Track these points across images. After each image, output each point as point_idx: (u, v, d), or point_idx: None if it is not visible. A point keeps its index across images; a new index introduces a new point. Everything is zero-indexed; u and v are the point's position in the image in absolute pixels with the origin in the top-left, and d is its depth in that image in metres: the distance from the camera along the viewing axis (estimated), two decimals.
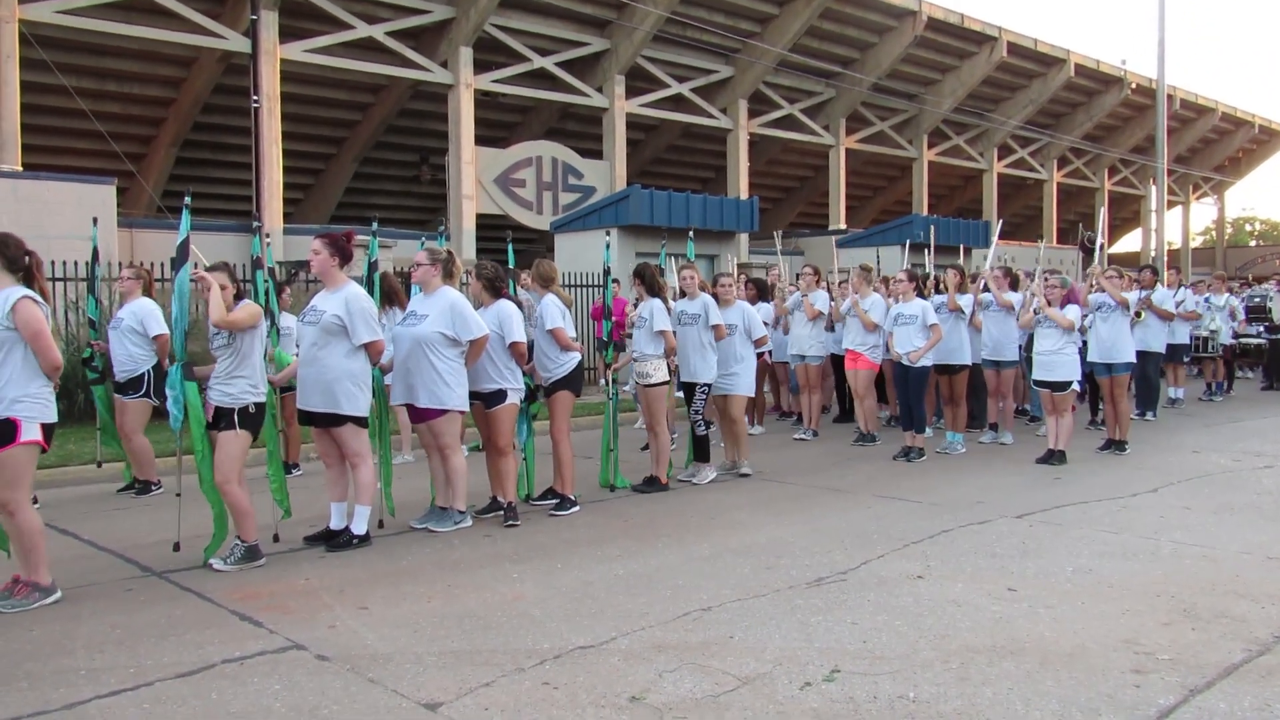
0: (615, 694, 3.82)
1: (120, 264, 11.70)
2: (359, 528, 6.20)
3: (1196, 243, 47.02)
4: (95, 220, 9.22)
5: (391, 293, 8.18)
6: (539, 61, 20.70)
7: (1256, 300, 15.64)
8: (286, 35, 17.46)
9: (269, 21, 17.03)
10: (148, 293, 8.21)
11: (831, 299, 11.10)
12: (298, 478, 8.51)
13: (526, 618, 4.75)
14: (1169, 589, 5.14)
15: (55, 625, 4.71)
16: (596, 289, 14.37)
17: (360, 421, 6.17)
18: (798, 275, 11.54)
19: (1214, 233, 46.78)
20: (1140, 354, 10.42)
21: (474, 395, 6.76)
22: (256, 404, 5.80)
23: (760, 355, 9.71)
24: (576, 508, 7.21)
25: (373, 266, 7.06)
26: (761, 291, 11.47)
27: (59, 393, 5.30)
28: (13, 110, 14.69)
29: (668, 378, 8.13)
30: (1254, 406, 13.71)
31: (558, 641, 4.40)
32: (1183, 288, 14.41)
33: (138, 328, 7.87)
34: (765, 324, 10.14)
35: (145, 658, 4.26)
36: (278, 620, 4.75)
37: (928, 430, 10.11)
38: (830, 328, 11.08)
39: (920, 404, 9.51)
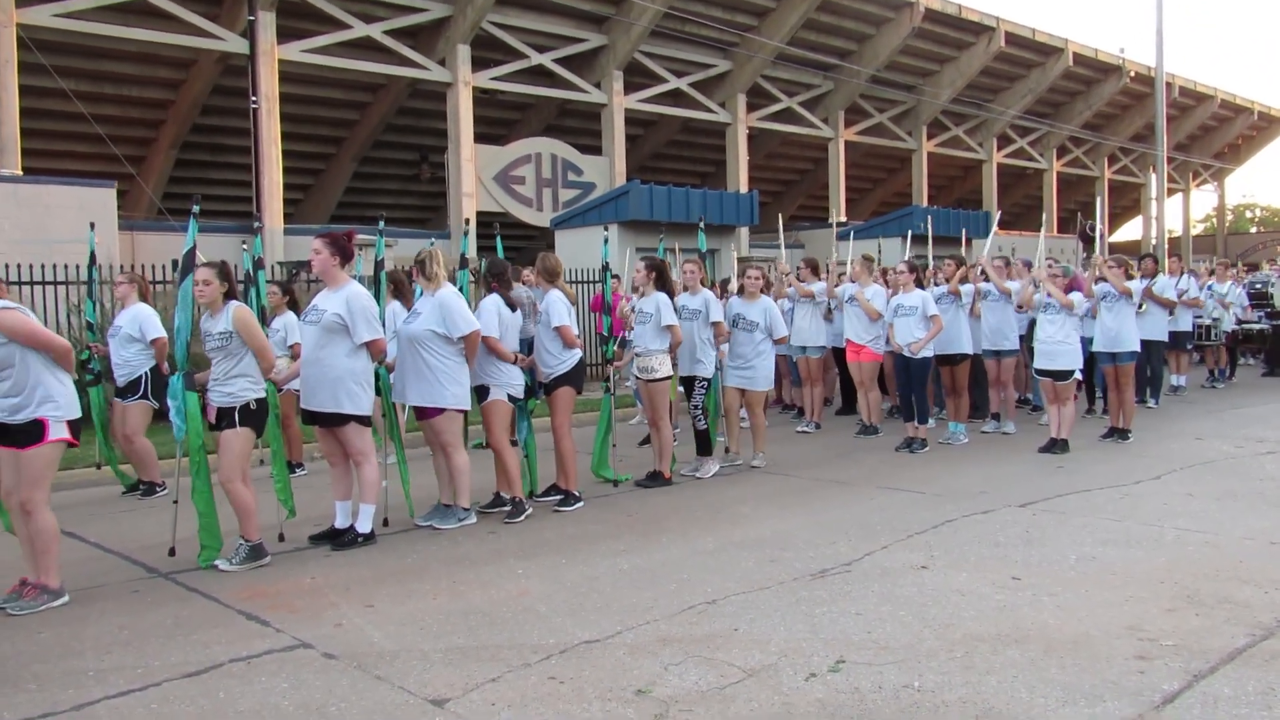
0: (621, 687, 3.83)
1: (121, 267, 11.76)
2: (364, 526, 6.22)
3: (1197, 230, 46.93)
4: (92, 225, 9.26)
5: (399, 291, 8.19)
6: (537, 58, 20.69)
7: (1258, 287, 15.63)
8: (284, 35, 17.45)
9: (266, 22, 17.03)
10: (144, 297, 8.23)
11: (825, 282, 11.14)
12: (302, 477, 8.53)
13: (532, 613, 4.77)
14: (1172, 575, 5.15)
15: (63, 627, 4.73)
16: (597, 285, 14.38)
17: (363, 420, 6.19)
18: (797, 268, 11.57)
19: (1215, 220, 46.69)
20: (1143, 342, 10.42)
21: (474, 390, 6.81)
22: (257, 400, 5.81)
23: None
24: (580, 503, 7.23)
25: (379, 265, 7.08)
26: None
27: None
28: (12, 114, 14.70)
29: (671, 372, 8.14)
30: (1256, 393, 13.70)
31: (563, 636, 4.42)
32: (1185, 275, 14.40)
33: (135, 334, 7.89)
34: None
35: (153, 658, 4.28)
36: (284, 619, 4.77)
37: (930, 421, 10.11)
38: (829, 317, 11.08)
39: (922, 395, 9.52)
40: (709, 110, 24.04)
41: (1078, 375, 9.29)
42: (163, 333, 7.92)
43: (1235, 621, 4.43)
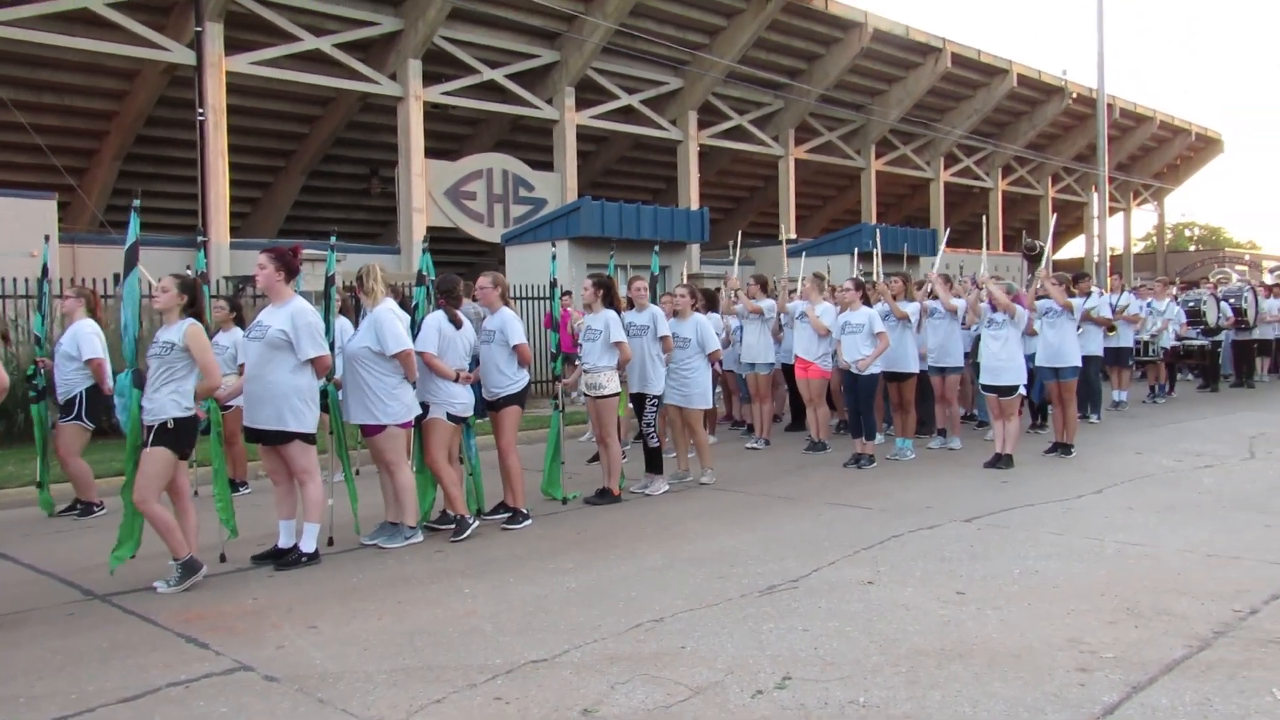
0: (567, 707, 3.81)
1: (62, 281, 11.49)
2: (308, 545, 6.13)
3: (1138, 248, 47.97)
4: (47, 238, 9.10)
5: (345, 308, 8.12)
6: (489, 74, 20.67)
7: (1191, 304, 16.01)
8: (232, 47, 17.26)
9: (214, 34, 16.83)
10: (92, 313, 8.06)
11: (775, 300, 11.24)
12: (245, 496, 8.39)
13: (478, 633, 4.73)
14: (1113, 588, 5.23)
15: None
16: (547, 301, 14.35)
17: (308, 438, 6.11)
18: (746, 284, 11.64)
19: (1155, 238, 47.80)
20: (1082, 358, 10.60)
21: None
22: (175, 419, 5.60)
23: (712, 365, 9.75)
24: (529, 520, 7.19)
25: (329, 281, 7.00)
26: (710, 303, 11.51)
27: None
28: None
29: (619, 389, 8.14)
30: (1195, 408, 14.01)
31: (510, 656, 4.38)
32: (1125, 292, 14.70)
33: (73, 352, 7.73)
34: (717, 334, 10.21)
35: (87, 683, 4.17)
36: (224, 641, 4.68)
37: (878, 437, 10.21)
38: (778, 336, 11.16)
39: (869, 411, 9.61)
40: (660, 127, 24.16)
41: (1022, 391, 9.44)
42: (99, 354, 7.75)
43: (1173, 633, 4.51)
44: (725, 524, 7.11)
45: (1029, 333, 9.64)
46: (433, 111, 20.49)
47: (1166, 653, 4.26)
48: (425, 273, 7.33)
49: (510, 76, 21.12)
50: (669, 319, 8.58)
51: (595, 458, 9.03)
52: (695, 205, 23.12)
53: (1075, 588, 5.26)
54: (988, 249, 12.73)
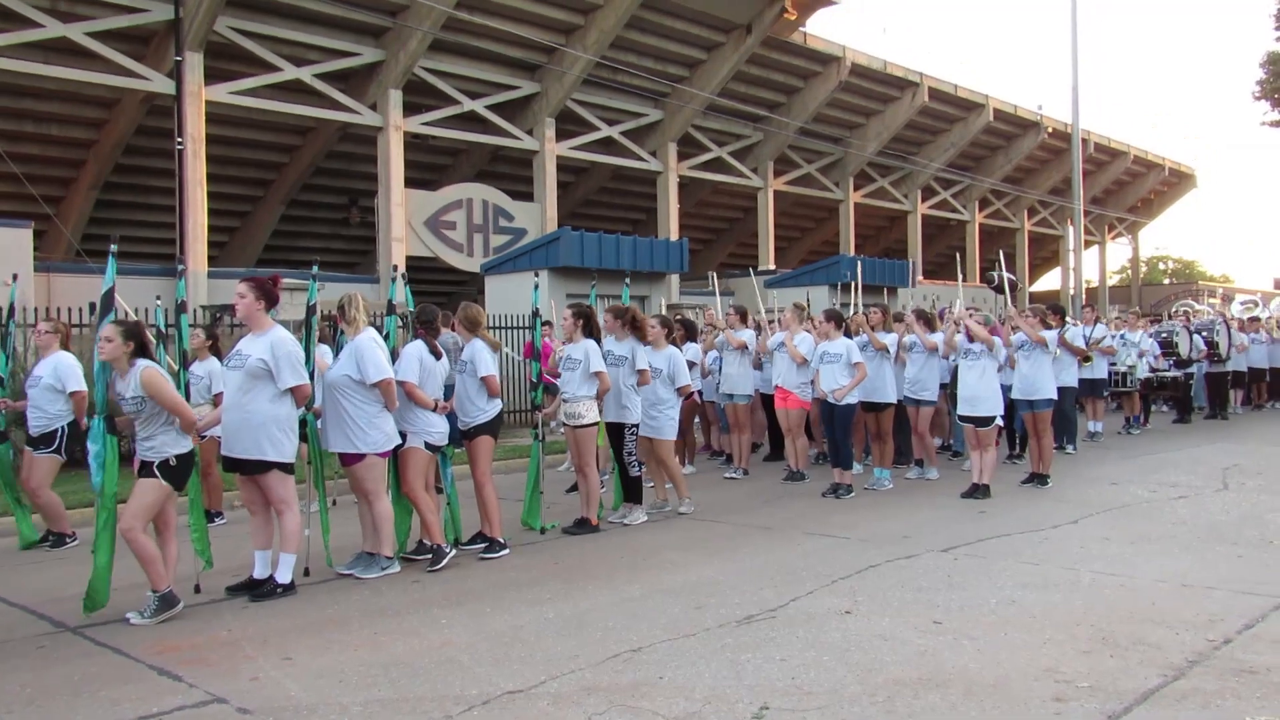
0: None
1: (37, 311, 11.40)
2: (283, 576, 6.08)
3: (1113, 281, 48.51)
4: (15, 276, 9.01)
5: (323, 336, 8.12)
6: (469, 104, 20.75)
7: (1164, 335, 16.18)
8: (212, 77, 17.26)
9: (194, 63, 16.82)
10: (65, 345, 8.00)
11: (758, 334, 11.30)
12: (220, 526, 8.31)
13: (455, 664, 4.70)
14: (1088, 618, 5.26)
15: None
16: (528, 330, 14.36)
17: (286, 468, 6.08)
18: (725, 315, 11.70)
19: (1129, 271, 48.37)
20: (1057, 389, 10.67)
21: None
22: (178, 456, 5.65)
23: (690, 395, 9.78)
24: (506, 550, 7.16)
25: (310, 310, 6.98)
26: (690, 333, 11.55)
27: None
28: None
29: (598, 419, 8.14)
30: (1169, 439, 14.13)
31: (486, 687, 4.35)
32: (1099, 324, 14.85)
33: (56, 384, 7.67)
34: (693, 364, 10.25)
35: (57, 718, 4.11)
36: (198, 673, 4.63)
37: (856, 467, 10.23)
38: (758, 365, 11.22)
39: (847, 441, 9.64)
40: (640, 158, 24.31)
41: (999, 422, 9.50)
42: (83, 386, 7.69)
43: (1148, 663, 4.53)
44: (703, 554, 7.10)
45: (1010, 364, 9.72)
46: (413, 141, 20.53)
47: (1142, 682, 4.28)
48: (395, 301, 7.35)
49: (491, 107, 21.22)
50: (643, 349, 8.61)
51: (574, 487, 9.01)
52: (675, 236, 23.23)
53: (1051, 617, 5.29)
54: (964, 281, 12.83)
